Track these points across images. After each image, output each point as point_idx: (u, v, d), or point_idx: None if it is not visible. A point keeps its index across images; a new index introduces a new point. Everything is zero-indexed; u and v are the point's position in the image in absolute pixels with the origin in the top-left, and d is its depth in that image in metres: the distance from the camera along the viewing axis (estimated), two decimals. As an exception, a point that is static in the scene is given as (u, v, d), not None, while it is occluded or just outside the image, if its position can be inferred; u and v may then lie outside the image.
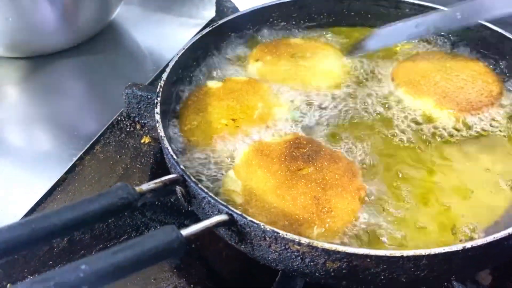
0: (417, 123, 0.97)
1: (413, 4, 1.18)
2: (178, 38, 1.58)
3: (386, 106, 1.02)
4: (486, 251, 0.67)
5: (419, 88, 1.02)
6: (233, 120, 0.96)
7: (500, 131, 0.95)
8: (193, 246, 0.92)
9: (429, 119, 0.98)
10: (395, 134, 0.95)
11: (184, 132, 0.95)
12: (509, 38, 1.07)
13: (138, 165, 1.08)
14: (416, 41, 1.19)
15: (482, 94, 1.00)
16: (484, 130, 0.95)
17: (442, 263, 0.67)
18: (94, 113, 1.29)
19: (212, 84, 1.05)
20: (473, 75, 1.04)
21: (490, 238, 0.66)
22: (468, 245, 0.65)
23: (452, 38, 1.17)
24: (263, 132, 0.95)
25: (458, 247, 0.65)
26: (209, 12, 1.61)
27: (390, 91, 1.05)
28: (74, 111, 1.28)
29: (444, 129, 0.95)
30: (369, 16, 1.24)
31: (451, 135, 0.94)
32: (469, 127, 0.95)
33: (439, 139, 0.93)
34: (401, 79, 1.05)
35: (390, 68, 1.11)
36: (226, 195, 0.82)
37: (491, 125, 0.96)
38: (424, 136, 0.94)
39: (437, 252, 0.65)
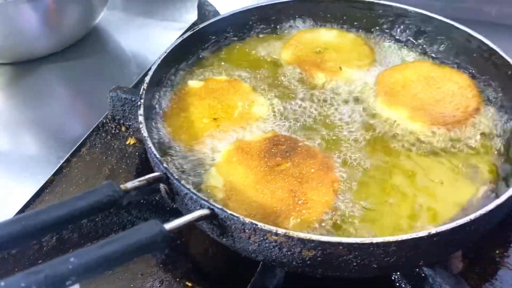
0: (391, 132, 1.00)
1: (386, 5, 1.23)
2: (161, 41, 1.62)
3: (364, 112, 1.05)
4: (450, 236, 0.72)
5: (396, 99, 1.03)
6: (214, 119, 1.00)
7: (468, 148, 0.96)
8: (178, 242, 0.96)
9: (401, 129, 1.00)
10: (365, 139, 0.99)
11: (167, 132, 0.99)
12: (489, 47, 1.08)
13: (123, 166, 1.12)
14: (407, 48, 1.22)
15: (458, 109, 1.00)
16: (453, 147, 0.96)
17: (409, 249, 0.72)
18: (79, 116, 1.32)
19: (194, 84, 1.09)
20: (454, 89, 1.04)
21: (453, 224, 0.71)
22: (433, 231, 0.70)
23: (442, 48, 1.19)
24: (243, 130, 0.99)
25: (424, 233, 0.70)
26: (192, 16, 1.65)
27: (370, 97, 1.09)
28: (60, 115, 1.32)
29: (416, 140, 0.97)
30: (344, 17, 1.29)
31: (420, 147, 0.96)
32: (438, 141, 0.97)
33: (406, 149, 0.96)
34: (381, 88, 1.07)
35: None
36: (208, 191, 0.87)
37: (460, 141, 0.97)
38: (394, 145, 0.97)
39: (404, 239, 0.70)
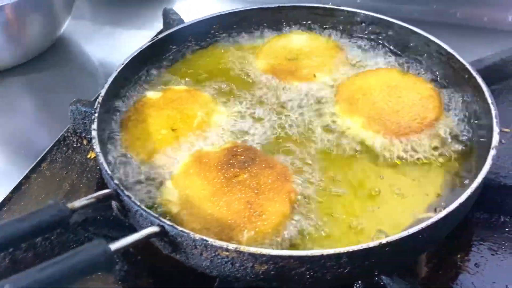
0: (348, 141, 0.99)
1: (347, 11, 1.23)
2: (129, 50, 1.59)
3: (323, 122, 1.04)
4: (402, 245, 0.72)
5: (354, 107, 1.03)
6: (173, 130, 0.99)
7: (423, 158, 0.95)
8: (139, 257, 0.94)
9: (356, 138, 0.99)
10: (324, 147, 0.98)
11: (124, 145, 0.97)
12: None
13: (84, 181, 1.10)
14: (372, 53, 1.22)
15: (415, 119, 0.99)
16: (409, 156, 0.95)
17: (362, 259, 0.71)
18: (41, 130, 1.30)
19: (152, 95, 1.07)
20: (415, 98, 1.03)
21: (404, 233, 0.71)
22: (384, 241, 0.70)
23: (412, 57, 1.17)
24: (203, 141, 0.98)
25: (375, 243, 0.70)
26: (160, 24, 1.63)
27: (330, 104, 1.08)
28: (22, 129, 1.29)
29: (370, 150, 0.97)
30: (307, 24, 1.29)
31: (373, 156, 0.96)
32: (392, 151, 0.96)
33: (361, 158, 0.96)
34: (341, 95, 1.07)
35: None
36: (163, 205, 0.85)
37: (414, 152, 0.96)
38: (349, 154, 0.97)
39: (355, 249, 0.69)
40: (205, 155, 0.93)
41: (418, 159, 0.95)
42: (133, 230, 0.94)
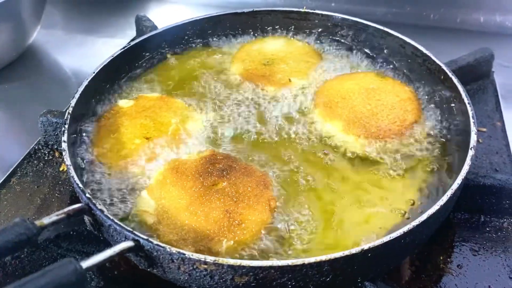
0: (324, 144, 0.98)
1: (322, 15, 1.23)
2: (102, 58, 1.56)
3: (304, 124, 1.03)
4: (384, 250, 0.70)
5: (333, 110, 1.01)
6: (147, 138, 0.96)
7: (397, 161, 0.94)
8: (115, 272, 0.90)
9: (337, 142, 0.98)
10: (303, 152, 0.97)
11: (97, 156, 0.94)
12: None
13: (57, 195, 1.06)
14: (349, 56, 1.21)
15: (394, 122, 0.98)
16: (381, 159, 0.94)
17: (344, 267, 0.70)
18: (11, 143, 1.25)
19: (124, 103, 1.04)
20: (394, 101, 1.02)
21: (386, 238, 0.70)
22: (366, 246, 0.68)
23: (389, 60, 1.17)
24: (178, 149, 0.96)
25: (357, 249, 0.68)
26: (133, 31, 1.60)
27: (308, 108, 1.07)
28: (-9, 142, 1.24)
29: (351, 153, 0.96)
30: (281, 28, 1.28)
31: (355, 160, 0.95)
32: (373, 154, 0.95)
33: (343, 162, 0.95)
34: (320, 99, 1.05)
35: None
36: (138, 216, 0.82)
37: (395, 153, 0.95)
38: (330, 158, 0.95)
39: (337, 257, 0.67)
40: (182, 163, 0.90)
41: (397, 160, 0.94)
42: (108, 244, 0.91)
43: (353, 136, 0.97)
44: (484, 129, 1.15)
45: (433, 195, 0.87)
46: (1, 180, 1.08)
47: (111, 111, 1.02)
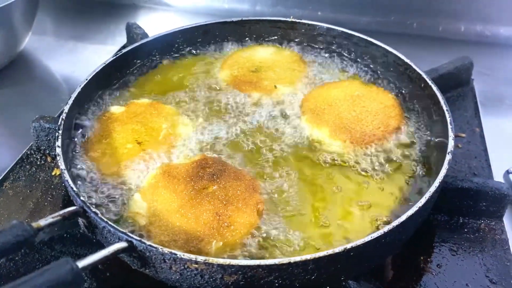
0: (316, 150, 1.02)
1: (308, 24, 1.27)
2: (92, 65, 1.57)
3: (292, 130, 1.07)
4: (366, 249, 0.74)
5: (320, 117, 1.05)
6: (138, 143, 0.99)
7: (387, 164, 0.98)
8: (107, 274, 0.93)
9: (324, 148, 1.02)
10: (292, 157, 1.00)
11: (90, 161, 0.96)
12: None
13: (49, 198, 1.08)
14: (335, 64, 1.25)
15: (379, 128, 1.02)
16: (365, 162, 0.98)
17: (328, 265, 0.73)
18: (2, 148, 1.27)
19: (115, 110, 1.07)
20: (378, 108, 1.06)
21: (368, 238, 0.73)
22: (349, 246, 0.72)
23: (372, 68, 1.22)
24: (169, 153, 0.99)
25: (340, 249, 0.72)
26: (124, 38, 1.63)
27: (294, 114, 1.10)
28: (-17, 148, 1.26)
29: (338, 158, 0.99)
30: (269, 37, 1.32)
31: (342, 165, 0.98)
32: (358, 159, 0.99)
33: (327, 165, 0.98)
34: (307, 106, 1.09)
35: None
36: (131, 218, 0.85)
37: (380, 158, 0.99)
38: (317, 163, 0.99)
39: (321, 255, 0.71)
40: (174, 168, 0.93)
41: (380, 164, 0.98)
42: (101, 246, 0.94)
43: (339, 141, 1.01)
44: (463, 135, 1.20)
45: (412, 198, 0.91)
46: (-6, 185, 1.10)
47: (103, 117, 1.05)
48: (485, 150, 1.16)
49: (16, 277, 0.90)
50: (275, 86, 1.15)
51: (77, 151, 0.99)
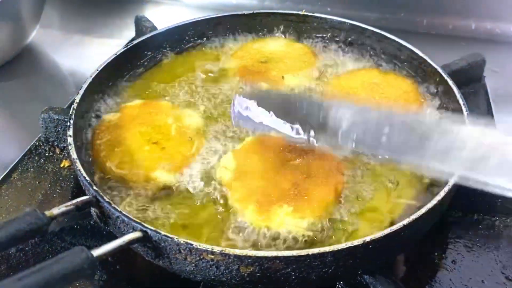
0: None
1: (320, 18, 1.26)
2: (99, 58, 1.55)
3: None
4: (385, 243, 0.73)
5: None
6: (155, 143, 0.97)
7: None
8: (117, 267, 0.91)
9: None
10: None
11: (112, 171, 0.93)
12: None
13: (58, 190, 1.07)
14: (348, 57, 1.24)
15: None
16: None
17: (346, 258, 0.72)
18: (11, 140, 1.26)
19: (111, 117, 1.03)
20: (397, 94, 1.08)
21: (387, 231, 0.72)
22: (368, 238, 0.71)
23: (385, 61, 1.21)
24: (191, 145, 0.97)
25: (359, 241, 0.71)
26: (131, 32, 1.62)
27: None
28: (-9, 139, 1.25)
29: None
30: (281, 30, 1.30)
31: None
32: None
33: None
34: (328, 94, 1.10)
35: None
36: (218, 173, 0.91)
37: None
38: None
39: (340, 248, 0.70)
40: (268, 138, 0.95)
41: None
42: (111, 239, 0.92)
43: None
44: (478, 130, 1.18)
45: (430, 192, 0.90)
46: (2, 176, 1.09)
47: (101, 127, 1.01)
48: (499, 146, 1.15)
49: (26, 267, 0.89)
50: (283, 77, 1.14)
51: (84, 142, 0.97)
